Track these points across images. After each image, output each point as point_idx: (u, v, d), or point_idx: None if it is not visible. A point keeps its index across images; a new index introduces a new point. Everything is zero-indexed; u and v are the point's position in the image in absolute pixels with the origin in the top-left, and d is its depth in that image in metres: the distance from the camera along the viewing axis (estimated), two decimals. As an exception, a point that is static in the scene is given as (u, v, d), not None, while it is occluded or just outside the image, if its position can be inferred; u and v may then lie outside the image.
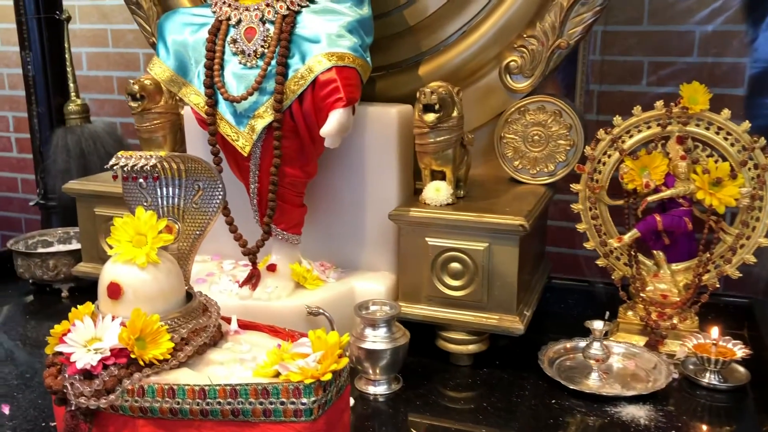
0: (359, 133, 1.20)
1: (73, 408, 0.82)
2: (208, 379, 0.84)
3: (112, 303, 0.87)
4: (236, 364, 0.89)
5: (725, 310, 1.36)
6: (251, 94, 1.07)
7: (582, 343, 1.22)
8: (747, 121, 1.22)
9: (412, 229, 1.17)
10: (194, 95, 1.14)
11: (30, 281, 1.58)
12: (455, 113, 1.15)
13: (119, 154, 0.94)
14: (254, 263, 1.16)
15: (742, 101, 1.64)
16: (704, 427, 1.04)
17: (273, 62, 1.07)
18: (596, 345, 1.14)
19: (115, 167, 0.93)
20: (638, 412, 1.06)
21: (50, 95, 1.85)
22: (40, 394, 1.10)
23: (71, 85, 1.91)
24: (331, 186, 1.24)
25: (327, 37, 1.08)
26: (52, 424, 1.02)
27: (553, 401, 1.09)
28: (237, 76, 1.10)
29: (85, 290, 1.56)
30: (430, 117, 1.12)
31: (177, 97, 1.34)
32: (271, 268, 1.17)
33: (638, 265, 1.28)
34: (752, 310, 1.35)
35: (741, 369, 1.15)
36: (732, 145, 1.23)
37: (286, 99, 1.08)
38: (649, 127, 1.27)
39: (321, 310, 1.12)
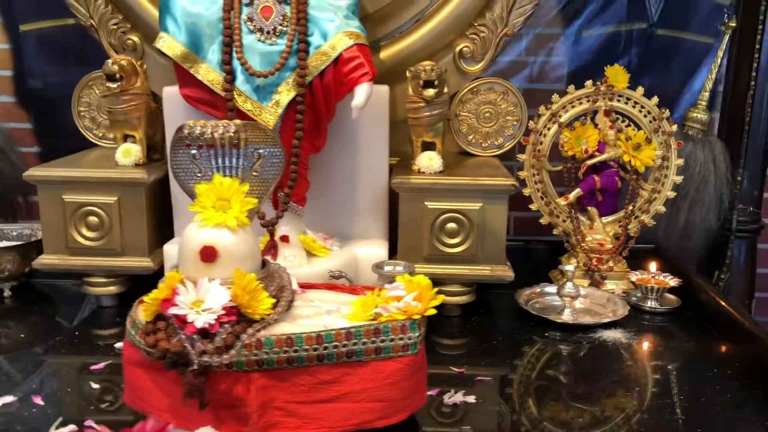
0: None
1: (195, 367, 0.83)
2: (323, 327, 0.89)
3: (205, 266, 0.89)
4: (324, 316, 0.95)
5: (637, 254, 1.65)
6: (278, 69, 1.12)
7: (547, 288, 1.43)
8: (656, 97, 1.50)
9: (412, 195, 1.29)
10: (208, 72, 1.15)
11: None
12: (445, 89, 1.28)
13: (189, 122, 0.95)
14: (273, 235, 1.20)
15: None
16: (659, 339, 1.27)
17: (295, 40, 1.13)
18: (569, 285, 1.34)
19: (189, 135, 0.94)
20: (615, 335, 1.27)
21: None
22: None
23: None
24: (326, 161, 1.31)
25: (340, 17, 1.16)
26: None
27: (540, 336, 1.26)
28: (257, 53, 1.14)
29: (29, 288, 1.46)
30: (431, 92, 1.25)
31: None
32: (285, 239, 1.22)
33: (578, 220, 1.51)
34: (657, 253, 1.65)
35: (671, 296, 1.42)
36: (645, 116, 1.51)
37: (309, 75, 1.14)
38: (581, 103, 1.50)
39: (343, 273, 1.20)
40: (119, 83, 1.27)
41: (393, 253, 1.34)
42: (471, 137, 1.51)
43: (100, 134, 1.54)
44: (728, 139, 1.72)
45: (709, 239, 1.73)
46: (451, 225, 1.29)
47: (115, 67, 1.26)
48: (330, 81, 1.15)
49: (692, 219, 1.68)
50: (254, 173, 1.00)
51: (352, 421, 0.90)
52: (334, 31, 1.14)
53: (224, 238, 0.90)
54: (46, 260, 1.33)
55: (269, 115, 1.15)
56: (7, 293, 1.41)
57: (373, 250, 1.30)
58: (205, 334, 0.85)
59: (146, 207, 1.31)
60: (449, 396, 1.03)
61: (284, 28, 1.15)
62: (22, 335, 1.26)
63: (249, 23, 1.15)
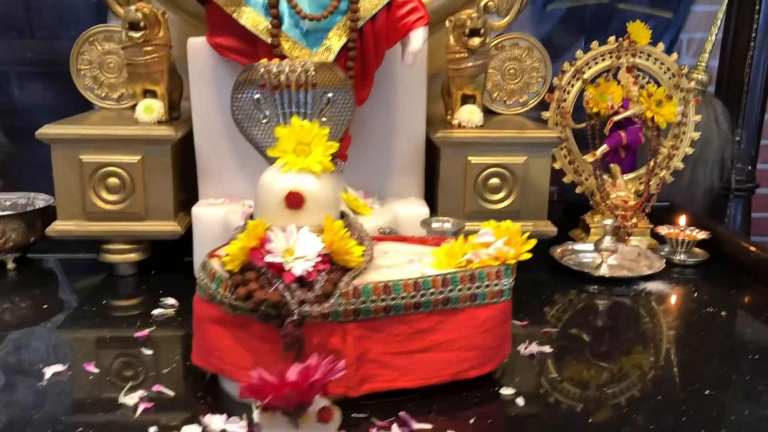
0: (389, 64, 1.23)
1: (295, 317, 0.77)
2: (420, 273, 0.85)
3: (291, 214, 0.83)
4: (406, 266, 0.90)
5: (654, 212, 1.66)
6: (331, 12, 1.06)
7: (576, 246, 1.42)
8: (675, 53, 1.51)
9: (454, 150, 1.25)
10: (252, 16, 1.08)
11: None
12: (488, 39, 1.25)
13: (261, 62, 0.88)
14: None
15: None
16: (694, 291, 1.28)
17: (346, -18, 1.07)
18: (607, 239, 1.33)
19: (255, 77, 0.87)
20: (657, 286, 1.28)
21: None
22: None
23: None
24: (362, 117, 1.26)
25: None
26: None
27: (580, 291, 1.25)
28: (305, -4, 1.08)
29: (29, 261, 1.35)
30: (476, 41, 1.21)
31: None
32: (329, 196, 1.16)
33: (602, 178, 1.51)
34: (673, 210, 1.67)
35: (698, 250, 1.44)
36: (665, 72, 1.51)
37: (361, 19, 1.08)
38: (603, 59, 1.50)
39: (394, 230, 1.15)
40: (143, 32, 1.17)
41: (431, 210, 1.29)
42: (495, 95, 1.48)
43: (103, 94, 1.44)
44: (726, 99, 1.75)
45: (710, 198, 1.76)
46: (494, 180, 1.26)
47: (139, 15, 1.16)
48: (382, 26, 1.10)
49: (695, 178, 1.71)
50: (323, 119, 0.94)
51: (446, 371, 0.86)
52: None
53: (309, 184, 0.84)
54: (61, 227, 1.23)
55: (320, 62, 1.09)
56: (10, 265, 1.30)
57: (414, 208, 1.25)
58: (302, 282, 0.79)
59: (172, 167, 1.22)
60: (525, 346, 1.00)
61: (334, -30, 1.08)
62: (41, 308, 1.15)
63: (297, -36, 1.08)
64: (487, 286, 0.86)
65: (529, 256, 0.88)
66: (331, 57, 1.09)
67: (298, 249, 0.81)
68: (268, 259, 0.78)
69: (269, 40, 1.08)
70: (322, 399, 0.54)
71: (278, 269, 0.78)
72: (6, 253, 1.29)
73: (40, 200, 1.41)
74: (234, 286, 0.80)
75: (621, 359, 1.00)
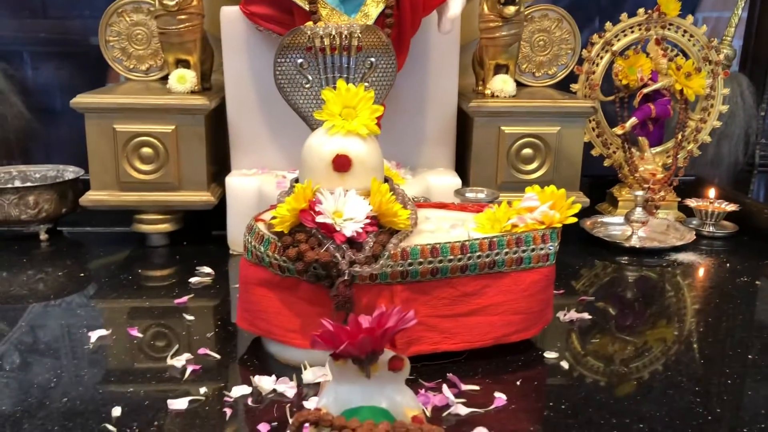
0: (421, 33, 1.22)
1: (346, 278, 0.78)
2: (467, 236, 0.85)
3: (338, 176, 0.83)
4: (450, 230, 0.90)
5: (681, 186, 1.65)
6: (370, -21, 1.06)
7: (605, 219, 1.42)
8: (704, 26, 1.50)
9: (487, 120, 1.25)
10: (291, -18, 1.08)
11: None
12: (521, 7, 1.24)
13: (307, 24, 0.88)
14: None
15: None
16: (723, 260, 1.28)
17: (383, -52, 1.07)
18: (639, 210, 1.33)
19: (298, 40, 0.87)
20: (688, 257, 1.28)
21: None
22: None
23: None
24: (394, 88, 1.25)
25: None
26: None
27: (611, 262, 1.26)
28: (344, -38, 1.07)
29: (60, 233, 1.36)
30: (511, 9, 1.20)
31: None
32: (363, 165, 1.16)
33: (630, 150, 1.50)
34: (700, 183, 1.66)
35: (727, 222, 1.44)
36: (693, 45, 1.50)
37: (398, -15, 1.08)
38: (633, 32, 1.49)
39: (427, 199, 1.15)
40: (177, 1, 1.17)
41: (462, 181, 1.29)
42: (524, 66, 1.48)
43: (131, 66, 1.43)
44: (751, 76, 1.73)
45: (734, 173, 1.75)
46: (527, 150, 1.26)
47: (173, -18, 1.16)
48: (419, -7, 1.09)
49: (720, 152, 1.70)
50: (365, 83, 0.94)
51: (491, 335, 0.87)
52: None
53: (356, 147, 0.84)
54: (94, 196, 1.23)
55: (357, 28, 1.09)
56: (43, 236, 1.31)
57: (446, 178, 1.25)
58: (352, 243, 0.80)
59: (205, 136, 1.22)
60: (564, 313, 1.01)
61: (371, -64, 1.08)
62: (74, 279, 1.16)
63: (334, -70, 1.07)
64: (533, 249, 0.86)
65: (574, 220, 0.88)
66: (370, 23, 1.09)
67: (346, 211, 0.81)
68: (319, 219, 0.78)
69: (307, 7, 1.08)
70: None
71: (329, 230, 0.78)
72: (39, 224, 1.30)
73: (70, 172, 1.41)
74: (284, 248, 0.80)
75: (649, 332, 1.01)
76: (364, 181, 0.84)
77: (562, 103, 1.25)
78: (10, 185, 1.38)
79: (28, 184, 1.39)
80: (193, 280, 1.11)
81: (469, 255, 0.84)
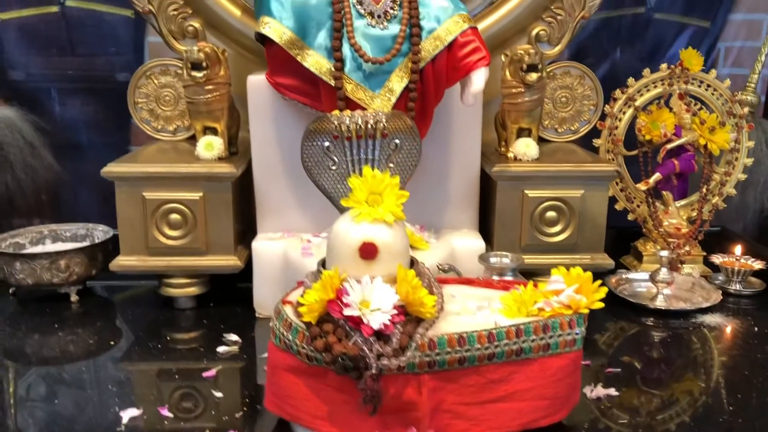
0: (445, 98, 1.23)
1: (374, 371, 0.79)
2: (494, 324, 0.86)
3: (365, 264, 0.84)
4: (475, 313, 0.91)
5: (706, 237, 1.64)
6: (394, 56, 1.07)
7: (630, 275, 1.42)
8: (728, 80, 1.50)
9: (511, 183, 1.25)
10: (316, 59, 1.09)
11: (11, 290, 1.36)
12: (544, 73, 1.25)
13: (333, 113, 0.90)
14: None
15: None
16: (751, 322, 1.26)
17: (408, 24, 1.08)
18: (664, 271, 1.32)
19: (325, 127, 0.89)
20: (715, 319, 1.27)
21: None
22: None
23: (-30, 68, 1.63)
24: (418, 149, 1.27)
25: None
26: None
27: (636, 323, 1.25)
28: (369, 38, 1.09)
29: (91, 295, 1.38)
30: (534, 76, 1.21)
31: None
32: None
33: (654, 205, 1.50)
34: (724, 235, 1.65)
35: (754, 279, 1.43)
36: (717, 99, 1.50)
37: (422, 60, 1.09)
38: (656, 86, 1.49)
39: (452, 266, 1.16)
40: (205, 72, 1.19)
41: (486, 243, 1.30)
42: (546, 122, 1.48)
43: (159, 126, 1.46)
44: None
45: (760, 220, 1.74)
46: (551, 213, 1.26)
47: (201, 55, 1.18)
48: (442, 66, 1.11)
49: (745, 200, 1.69)
50: (390, 164, 0.95)
51: (519, 420, 0.87)
52: (448, 14, 1.10)
53: (382, 234, 0.85)
54: (124, 262, 1.25)
55: (382, 103, 1.10)
56: (73, 298, 1.33)
57: (470, 241, 1.26)
58: (379, 335, 0.80)
59: (232, 202, 1.24)
60: (591, 389, 1.00)
61: (395, 12, 1.09)
62: (103, 340, 1.18)
63: (359, 6, 1.09)
64: (559, 335, 0.86)
65: (601, 305, 0.88)
66: (393, 99, 1.10)
67: (373, 300, 0.82)
68: (347, 312, 0.79)
69: (332, 83, 1.09)
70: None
71: (356, 322, 0.79)
72: (69, 286, 1.32)
73: (99, 231, 1.44)
74: (311, 338, 0.81)
75: (677, 388, 1.00)
76: (391, 268, 0.85)
77: (586, 167, 1.25)
78: (41, 246, 1.41)
79: (59, 245, 1.42)
80: (220, 349, 1.13)
81: (496, 343, 0.84)
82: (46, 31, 1.67)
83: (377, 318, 0.80)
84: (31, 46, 1.68)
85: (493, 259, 1.20)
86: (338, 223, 0.88)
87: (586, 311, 0.87)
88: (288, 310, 0.87)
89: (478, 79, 1.10)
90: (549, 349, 0.86)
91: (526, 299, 0.90)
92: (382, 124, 0.89)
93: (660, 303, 1.31)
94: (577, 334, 0.87)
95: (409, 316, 0.84)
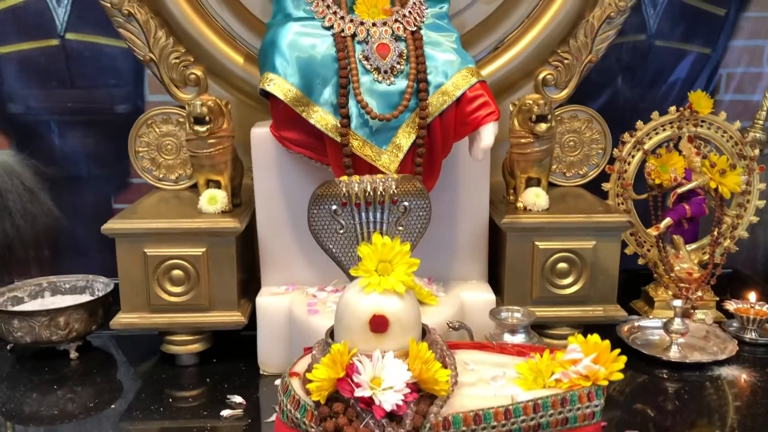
0: (452, 149, 1.21)
1: (388, 455, 0.75)
2: (510, 399, 0.82)
3: (376, 337, 0.82)
4: (490, 383, 0.88)
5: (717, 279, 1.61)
6: (402, 112, 1.05)
7: (643, 322, 1.38)
8: (738, 121, 1.48)
9: (520, 235, 1.22)
10: (322, 115, 1.07)
11: (9, 348, 1.32)
12: (553, 123, 1.23)
13: (341, 179, 0.87)
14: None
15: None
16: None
17: (415, 79, 1.06)
18: (678, 321, 1.29)
19: (332, 193, 0.86)
20: (731, 372, 1.23)
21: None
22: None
23: (-33, 115, 1.61)
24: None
25: (455, 53, 1.10)
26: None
27: (650, 375, 1.22)
28: (375, 94, 1.06)
29: (91, 349, 1.35)
30: (543, 127, 1.19)
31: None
32: (395, 289, 1.14)
33: (665, 249, 1.47)
34: (736, 277, 1.62)
35: (769, 325, 1.39)
36: (727, 141, 1.48)
37: (430, 115, 1.07)
38: (664, 129, 1.47)
39: (462, 324, 1.13)
40: (208, 126, 1.17)
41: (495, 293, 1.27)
42: (554, 167, 1.46)
43: (161, 176, 1.44)
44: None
45: (773, 261, 1.71)
46: (563, 265, 1.23)
47: (204, 109, 1.16)
48: (450, 120, 1.08)
49: (756, 240, 1.66)
50: (399, 227, 0.93)
51: (536, 497, 0.83)
52: (455, 68, 1.08)
53: (393, 306, 0.82)
54: (125, 319, 1.22)
55: (389, 159, 1.08)
56: (73, 354, 1.30)
57: (480, 294, 1.23)
58: (392, 416, 0.77)
59: (236, 257, 1.22)
60: (605, 455, 0.97)
61: (401, 67, 1.07)
62: (103, 398, 1.15)
63: (365, 62, 1.07)
64: (578, 409, 0.83)
65: (621, 376, 0.85)
66: (401, 155, 1.08)
67: (385, 378, 0.79)
68: (358, 393, 0.76)
69: (338, 139, 1.07)
70: None
71: (368, 403, 0.76)
72: (69, 343, 1.29)
73: (100, 283, 1.41)
74: (321, 418, 0.78)
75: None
76: (402, 341, 0.82)
77: (597, 218, 1.22)
78: (40, 300, 1.39)
79: (58, 297, 1.39)
80: (224, 413, 1.09)
81: (513, 420, 0.81)
82: (46, 64, 1.65)
83: (389, 398, 0.77)
84: (31, 79, 1.66)
85: (504, 314, 1.17)
86: (347, 292, 0.85)
87: (605, 383, 0.84)
88: (295, 385, 0.84)
89: (488, 135, 1.07)
90: (567, 424, 0.83)
91: (542, 369, 0.86)
92: (391, 190, 0.87)
93: (675, 354, 1.28)
94: (596, 406, 0.84)
95: (422, 392, 0.80)
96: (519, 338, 1.14)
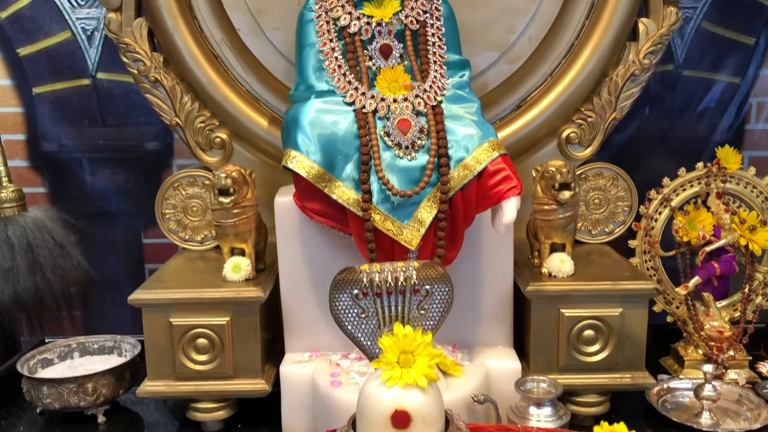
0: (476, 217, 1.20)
1: None
2: (535, 495, 0.81)
3: (398, 432, 0.81)
4: (515, 473, 0.87)
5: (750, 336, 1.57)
6: (423, 188, 1.05)
7: (674, 383, 1.36)
8: (767, 177, 1.45)
9: (546, 302, 1.21)
10: (344, 190, 1.08)
11: (38, 411, 1.34)
12: (577, 189, 1.22)
13: (362, 267, 0.87)
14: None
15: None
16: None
17: (436, 154, 1.06)
18: (709, 387, 1.26)
19: (354, 280, 0.86)
20: (762, 440, 1.20)
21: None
22: None
23: (1, 168, 1.64)
24: (449, 267, 1.24)
25: (476, 126, 1.10)
26: None
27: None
28: (396, 170, 1.07)
29: (119, 411, 1.36)
30: (566, 194, 1.18)
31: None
32: (420, 360, 1.14)
33: (695, 307, 1.44)
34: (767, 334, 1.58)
35: (805, 388, 1.36)
36: (757, 196, 1.45)
37: (451, 190, 1.07)
38: (692, 186, 1.44)
39: (488, 397, 1.12)
40: (232, 198, 1.18)
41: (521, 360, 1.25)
42: (580, 224, 1.44)
43: (186, 237, 1.46)
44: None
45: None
46: (589, 332, 1.22)
47: (228, 181, 1.17)
48: (472, 194, 1.08)
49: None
50: (421, 311, 0.92)
51: None
52: (476, 142, 1.08)
53: (415, 400, 0.82)
54: (151, 388, 1.23)
55: (411, 234, 1.08)
56: (101, 419, 1.31)
57: (504, 362, 1.22)
58: None
59: (260, 325, 1.22)
60: None
61: (422, 142, 1.07)
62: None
63: (386, 138, 1.07)
64: (603, 502, 0.82)
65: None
66: (423, 230, 1.08)
67: (407, 478, 0.78)
68: (381, 495, 0.76)
69: (360, 214, 1.07)
70: None
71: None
72: (97, 408, 1.30)
73: (127, 343, 1.42)
74: None
75: None
76: (425, 435, 0.81)
77: (624, 285, 1.21)
78: (69, 362, 1.41)
79: (87, 359, 1.41)
80: (248, 486, 1.10)
81: None
82: (78, 103, 1.69)
83: (412, 499, 0.76)
84: (63, 118, 1.70)
85: (529, 385, 1.15)
86: (369, 383, 0.85)
87: (632, 476, 0.83)
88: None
89: (510, 209, 1.06)
90: None
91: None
92: (413, 280, 0.86)
93: (706, 421, 1.25)
94: (622, 499, 0.82)
95: (445, 490, 0.80)
96: (545, 411, 1.12)
